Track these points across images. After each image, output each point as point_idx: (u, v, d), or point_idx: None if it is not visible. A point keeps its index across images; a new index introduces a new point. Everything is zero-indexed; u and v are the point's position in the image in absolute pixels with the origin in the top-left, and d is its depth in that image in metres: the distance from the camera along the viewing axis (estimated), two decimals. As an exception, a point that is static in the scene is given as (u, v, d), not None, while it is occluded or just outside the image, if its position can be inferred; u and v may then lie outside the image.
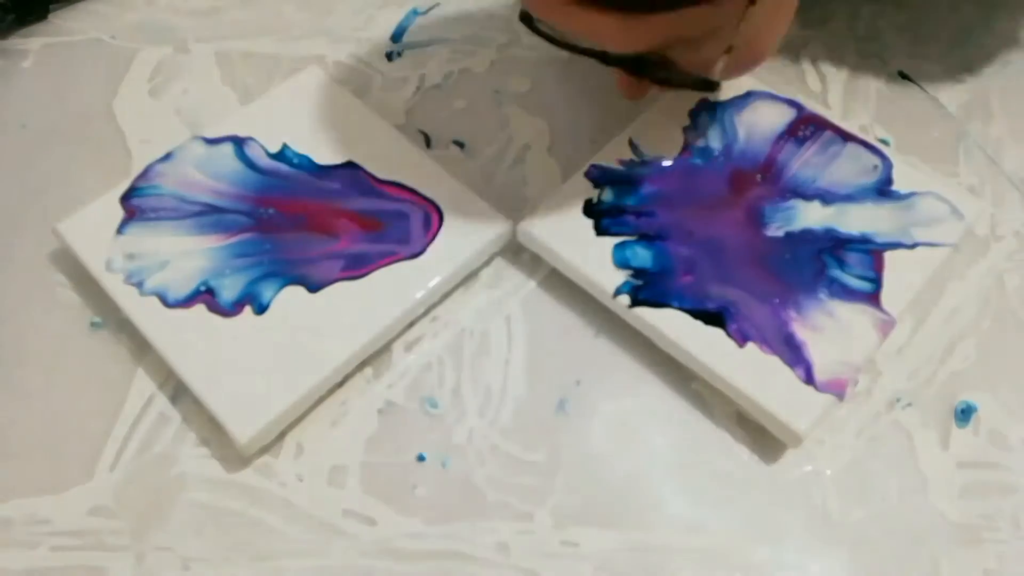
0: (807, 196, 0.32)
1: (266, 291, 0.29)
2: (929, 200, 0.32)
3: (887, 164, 0.33)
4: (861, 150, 0.33)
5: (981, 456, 0.29)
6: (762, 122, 0.34)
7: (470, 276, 0.32)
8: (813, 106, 0.35)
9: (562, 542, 0.27)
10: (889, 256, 0.30)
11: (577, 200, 0.32)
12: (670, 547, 0.27)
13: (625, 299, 0.29)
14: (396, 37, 0.40)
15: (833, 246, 0.31)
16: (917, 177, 0.33)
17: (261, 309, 0.29)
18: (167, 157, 0.33)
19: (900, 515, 0.28)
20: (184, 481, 0.28)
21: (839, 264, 0.30)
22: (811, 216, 0.32)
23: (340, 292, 0.30)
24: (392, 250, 0.31)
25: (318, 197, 0.32)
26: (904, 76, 0.39)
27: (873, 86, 0.38)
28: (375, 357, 0.30)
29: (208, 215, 0.31)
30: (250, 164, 0.33)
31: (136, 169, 0.32)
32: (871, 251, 0.31)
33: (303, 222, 0.31)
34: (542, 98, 0.38)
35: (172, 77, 0.38)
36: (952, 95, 0.38)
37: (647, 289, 0.30)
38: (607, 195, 0.32)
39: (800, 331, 0.29)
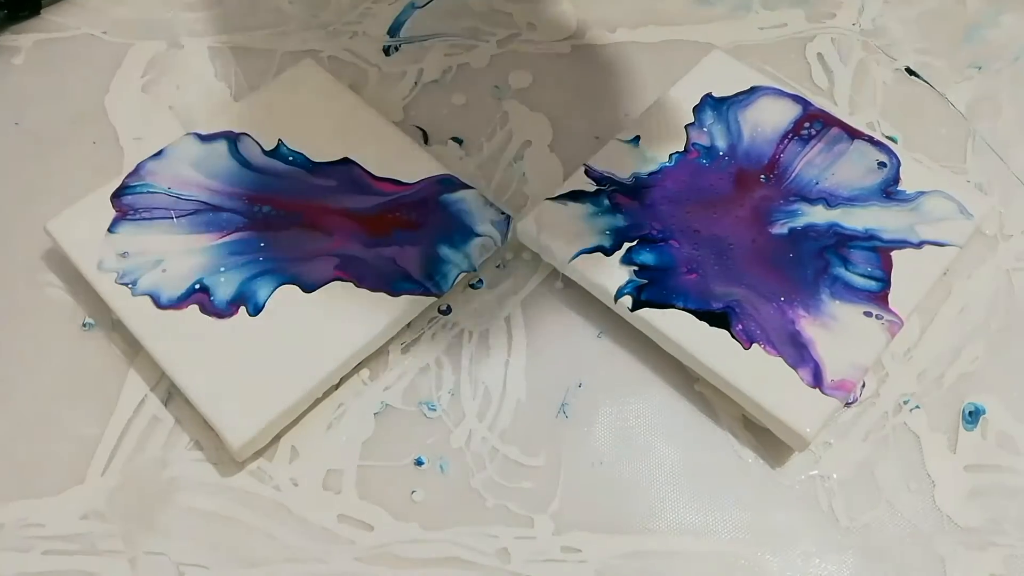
0: (811, 199, 0.31)
1: (261, 291, 0.29)
2: (937, 199, 0.31)
3: (895, 162, 0.32)
4: (868, 147, 0.33)
5: (989, 459, 0.29)
6: (767, 119, 0.33)
7: (469, 275, 0.32)
8: (820, 102, 0.34)
9: (563, 548, 0.27)
10: (897, 255, 0.30)
11: (579, 198, 0.31)
12: (674, 553, 0.27)
13: (627, 301, 0.29)
14: (393, 31, 0.39)
15: (837, 243, 0.30)
16: (925, 175, 0.32)
17: (256, 310, 0.29)
18: (159, 154, 0.32)
19: (907, 519, 0.27)
20: (177, 485, 0.28)
21: (843, 262, 0.30)
22: (816, 216, 0.31)
23: (336, 292, 0.29)
24: (389, 249, 0.30)
25: (314, 195, 0.31)
26: (911, 72, 0.38)
27: (880, 82, 0.38)
28: (372, 359, 0.30)
29: (202, 213, 0.31)
30: (244, 161, 0.32)
31: (128, 167, 0.32)
32: (877, 248, 0.30)
33: (298, 220, 0.31)
34: (543, 94, 0.37)
35: (165, 73, 0.38)
36: (960, 92, 0.38)
37: (651, 288, 0.29)
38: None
39: (806, 330, 0.28)
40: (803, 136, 0.33)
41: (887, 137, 0.34)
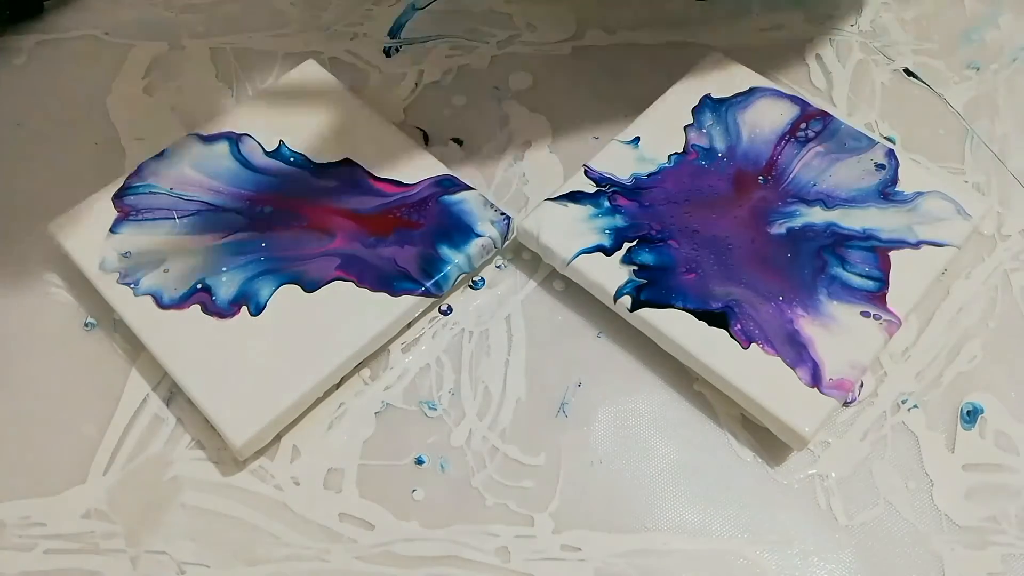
0: (809, 200, 0.32)
1: (262, 291, 0.29)
2: (935, 199, 0.32)
3: (893, 163, 0.32)
4: (866, 148, 0.33)
5: (987, 458, 0.29)
6: (766, 120, 0.34)
7: (469, 275, 0.32)
8: (818, 103, 0.34)
9: (563, 546, 0.27)
10: (895, 255, 0.30)
11: (579, 199, 0.31)
12: (673, 551, 0.27)
13: (627, 301, 0.29)
14: (394, 32, 0.40)
15: (835, 243, 0.30)
16: (923, 175, 0.32)
17: (257, 310, 0.29)
18: (161, 155, 0.32)
19: (906, 518, 0.28)
20: (179, 484, 0.28)
21: (841, 262, 0.30)
22: (813, 217, 0.31)
23: (336, 292, 0.29)
24: (390, 249, 0.30)
25: (315, 195, 0.32)
26: (910, 73, 0.38)
27: (879, 83, 0.38)
28: (373, 358, 0.30)
29: (203, 214, 0.31)
30: (246, 162, 0.32)
31: (130, 167, 0.32)
32: (875, 248, 0.30)
33: (300, 220, 0.31)
34: (543, 95, 0.37)
35: (167, 74, 0.38)
36: (958, 93, 0.38)
37: (650, 288, 0.29)
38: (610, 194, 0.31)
39: (804, 330, 0.28)
40: (800, 138, 0.33)
41: (885, 138, 0.34)
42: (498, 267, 0.33)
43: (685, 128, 0.33)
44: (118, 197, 0.31)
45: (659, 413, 0.29)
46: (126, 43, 0.39)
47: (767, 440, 0.29)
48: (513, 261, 0.33)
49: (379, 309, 0.29)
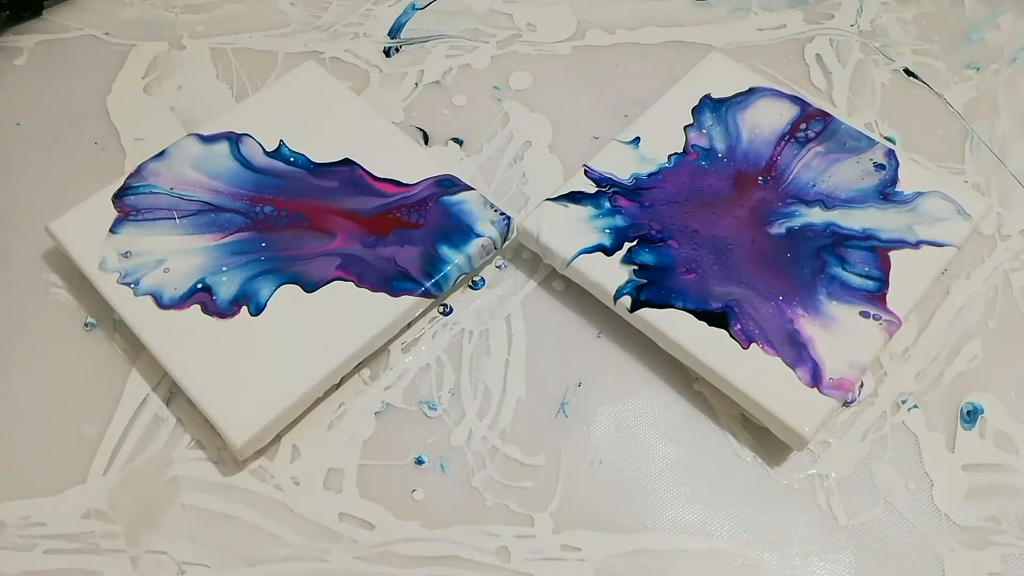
0: (808, 200, 0.32)
1: (262, 290, 0.29)
2: (934, 199, 0.32)
3: (893, 163, 0.32)
4: (866, 148, 0.33)
5: (987, 458, 0.29)
6: (765, 120, 0.34)
7: (469, 275, 0.32)
8: (818, 103, 0.34)
9: (563, 546, 0.27)
10: (895, 255, 0.30)
11: (579, 199, 0.31)
12: (673, 551, 0.27)
13: (627, 301, 0.29)
14: (394, 32, 0.40)
15: (834, 243, 0.30)
16: (923, 175, 0.32)
17: (257, 309, 0.29)
18: (161, 155, 0.32)
19: (906, 518, 0.28)
20: (178, 484, 0.28)
21: (840, 262, 0.30)
22: (813, 217, 0.31)
23: (336, 292, 0.29)
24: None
25: (315, 195, 0.32)
26: (910, 73, 0.38)
27: (878, 83, 0.38)
28: (372, 358, 0.30)
29: (203, 214, 0.31)
30: (246, 162, 0.32)
31: (130, 167, 0.32)
32: (875, 248, 0.30)
33: (300, 220, 0.31)
34: (543, 94, 0.37)
35: (167, 74, 0.38)
36: (958, 93, 0.38)
37: (650, 288, 0.29)
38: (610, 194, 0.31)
39: (805, 330, 0.28)
40: (800, 138, 0.33)
41: (885, 138, 0.34)
42: (498, 267, 0.33)
43: (685, 128, 0.33)
44: (118, 197, 0.31)
45: (659, 413, 0.29)
46: (126, 43, 0.39)
47: (767, 440, 0.29)
48: (513, 261, 0.33)
49: (379, 309, 0.29)
